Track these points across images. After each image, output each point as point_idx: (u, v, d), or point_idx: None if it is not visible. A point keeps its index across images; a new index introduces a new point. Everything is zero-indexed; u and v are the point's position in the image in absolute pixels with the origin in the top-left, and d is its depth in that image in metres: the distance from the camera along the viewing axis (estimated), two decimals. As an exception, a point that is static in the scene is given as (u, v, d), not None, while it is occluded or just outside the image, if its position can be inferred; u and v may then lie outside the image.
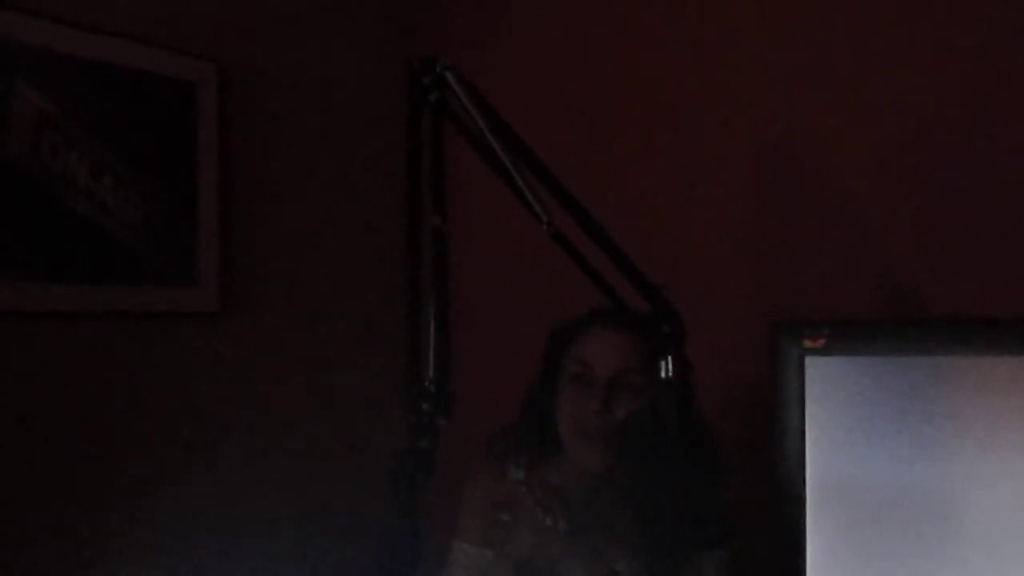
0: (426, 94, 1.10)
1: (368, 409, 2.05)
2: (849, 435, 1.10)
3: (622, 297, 1.18)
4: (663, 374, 1.15)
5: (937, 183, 1.48)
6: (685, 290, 1.19)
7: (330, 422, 2.02)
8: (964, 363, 1.06)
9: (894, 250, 1.52)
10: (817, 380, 1.12)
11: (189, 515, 1.74)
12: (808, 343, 1.10)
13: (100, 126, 1.67)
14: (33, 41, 1.58)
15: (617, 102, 1.87)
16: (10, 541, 1.52)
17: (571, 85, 1.94)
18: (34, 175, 1.58)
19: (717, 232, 1.72)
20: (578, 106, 1.92)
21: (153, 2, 1.75)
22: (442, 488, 1.09)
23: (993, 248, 1.42)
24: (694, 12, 1.77)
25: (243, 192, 1.89)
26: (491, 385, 1.40)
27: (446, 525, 1.39)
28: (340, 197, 2.08)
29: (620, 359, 1.32)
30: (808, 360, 1.11)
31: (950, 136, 1.48)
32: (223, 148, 1.84)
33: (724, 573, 1.30)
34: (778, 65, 1.65)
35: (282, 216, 1.97)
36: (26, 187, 1.57)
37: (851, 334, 1.11)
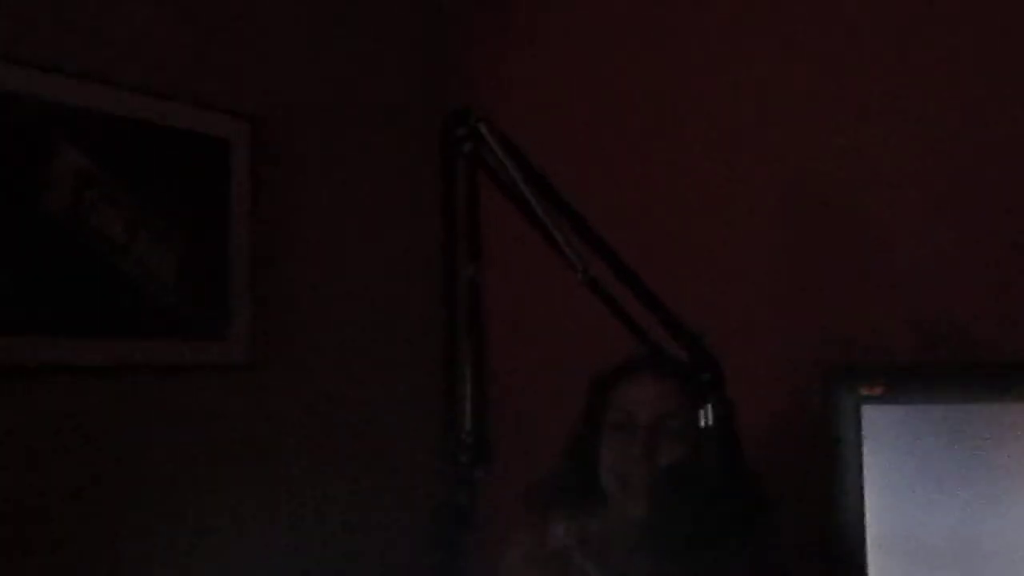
0: (460, 145, 1.11)
1: (404, 462, 2.03)
2: (908, 485, 1.08)
3: (659, 344, 1.17)
4: (703, 423, 1.13)
5: (984, 221, 1.46)
6: (724, 337, 1.18)
7: (365, 476, 2.00)
8: (1024, 408, 1.04)
9: (938, 291, 1.50)
10: (874, 428, 1.09)
11: (222, 566, 1.73)
12: (865, 391, 1.08)
13: (136, 182, 1.70)
14: (71, 100, 1.62)
15: (649, 149, 1.88)
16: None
17: (602, 133, 1.95)
18: (72, 231, 1.61)
19: (754, 277, 1.71)
20: (610, 154, 1.93)
21: (187, 60, 1.78)
22: (482, 542, 1.07)
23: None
24: (727, 57, 1.78)
25: (275, 247, 1.91)
26: (528, 435, 1.39)
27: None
28: (374, 250, 2.09)
29: (660, 405, 1.31)
30: (865, 408, 1.09)
31: (998, 173, 1.46)
32: (255, 203, 1.86)
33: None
34: (816, 102, 1.65)
35: (315, 270, 1.98)
36: (64, 243, 1.60)
37: (908, 381, 1.09)
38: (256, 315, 1.85)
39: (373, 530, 1.98)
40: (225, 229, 1.83)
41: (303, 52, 1.99)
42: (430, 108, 2.11)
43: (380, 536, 1.98)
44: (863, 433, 1.10)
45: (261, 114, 1.89)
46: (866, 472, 1.11)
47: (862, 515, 1.10)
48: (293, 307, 1.93)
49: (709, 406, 1.13)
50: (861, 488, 1.10)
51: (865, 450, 1.10)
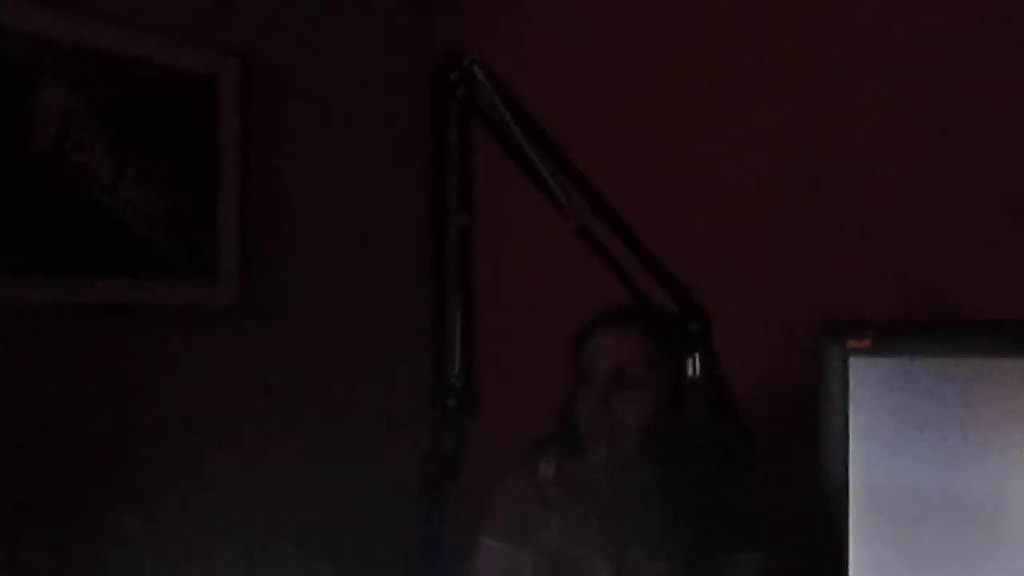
0: (453, 89, 1.09)
1: (392, 407, 2.04)
2: (893, 437, 1.09)
3: (648, 294, 1.17)
4: (690, 372, 1.14)
5: (970, 183, 1.46)
6: (713, 290, 1.18)
7: (353, 420, 2.02)
8: (1011, 365, 1.04)
9: (922, 251, 1.50)
10: (860, 382, 1.10)
11: (208, 512, 1.75)
12: (852, 344, 1.09)
13: (123, 121, 1.68)
14: (57, 35, 1.58)
15: (646, 99, 1.86)
16: (25, 536, 1.52)
17: (597, 81, 1.93)
18: (58, 170, 1.59)
19: (745, 232, 1.71)
20: (606, 102, 1.91)
21: (175, -5, 1.75)
22: (468, 487, 1.08)
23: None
24: (725, 16, 1.76)
25: (265, 187, 1.89)
26: (517, 384, 1.39)
27: (473, 524, 1.39)
28: (363, 193, 2.08)
29: (618, 356, 1.32)
30: (852, 361, 1.10)
31: (978, 135, 1.46)
32: (245, 143, 1.84)
33: (754, 575, 1.29)
34: (810, 63, 1.64)
35: (304, 212, 1.97)
36: (50, 182, 1.58)
37: (896, 335, 1.10)
38: (244, 256, 1.84)
39: (360, 474, 2.00)
40: (214, 168, 1.81)
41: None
42: (423, 50, 2.08)
43: (367, 481, 1.99)
44: (849, 386, 1.11)
45: (249, 51, 1.85)
46: (851, 425, 1.12)
47: (846, 467, 1.11)
48: (282, 249, 1.92)
49: (697, 356, 1.14)
50: (846, 441, 1.12)
51: (851, 403, 1.12)
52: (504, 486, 1.43)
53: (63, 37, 1.59)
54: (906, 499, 1.10)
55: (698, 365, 1.12)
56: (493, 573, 1.38)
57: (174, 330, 1.75)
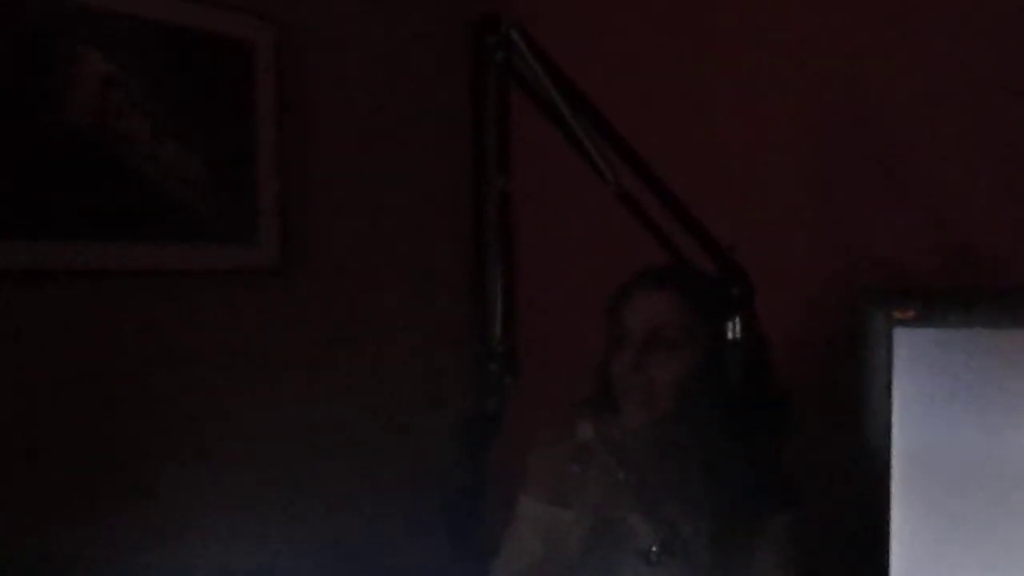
0: (491, 53, 1.09)
1: (434, 368, 2.06)
2: (937, 408, 1.08)
3: (687, 257, 1.17)
4: (730, 335, 1.14)
5: (1015, 143, 1.43)
6: (754, 256, 1.18)
7: (395, 380, 2.03)
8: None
9: (968, 214, 1.48)
10: (905, 352, 1.09)
11: (253, 473, 1.78)
12: (897, 314, 1.08)
13: (161, 86, 1.68)
14: (93, 2, 1.59)
15: (685, 62, 1.83)
16: (71, 500, 1.55)
17: (635, 45, 1.91)
18: (97, 136, 1.60)
19: (787, 197, 1.68)
20: (643, 67, 1.89)
21: (209, -39, 1.75)
22: (509, 447, 1.10)
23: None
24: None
25: (303, 151, 1.90)
26: (557, 346, 1.40)
27: (513, 484, 1.41)
28: (402, 156, 2.08)
29: (652, 317, 1.30)
30: (896, 332, 1.09)
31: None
32: (281, 107, 1.84)
33: (788, 537, 1.29)
34: (851, 22, 1.61)
35: (343, 175, 1.97)
36: (89, 148, 1.59)
37: (941, 304, 1.08)
38: (284, 220, 1.85)
39: (403, 435, 2.02)
40: (252, 133, 1.82)
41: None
42: (461, 14, 2.06)
43: (411, 441, 2.02)
44: (894, 357, 1.10)
45: (286, 16, 1.85)
46: (895, 395, 1.11)
47: (889, 437, 1.10)
48: (321, 212, 1.94)
49: (737, 319, 1.14)
50: (889, 411, 1.11)
51: (895, 373, 1.10)
52: (543, 447, 1.45)
53: (100, 3, 1.60)
54: (949, 469, 1.09)
55: (739, 328, 1.13)
56: (533, 532, 1.40)
57: (216, 293, 1.77)
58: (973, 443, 1.07)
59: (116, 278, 1.63)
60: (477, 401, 1.07)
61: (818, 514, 1.28)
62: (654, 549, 1.31)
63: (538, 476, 1.41)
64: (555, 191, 1.79)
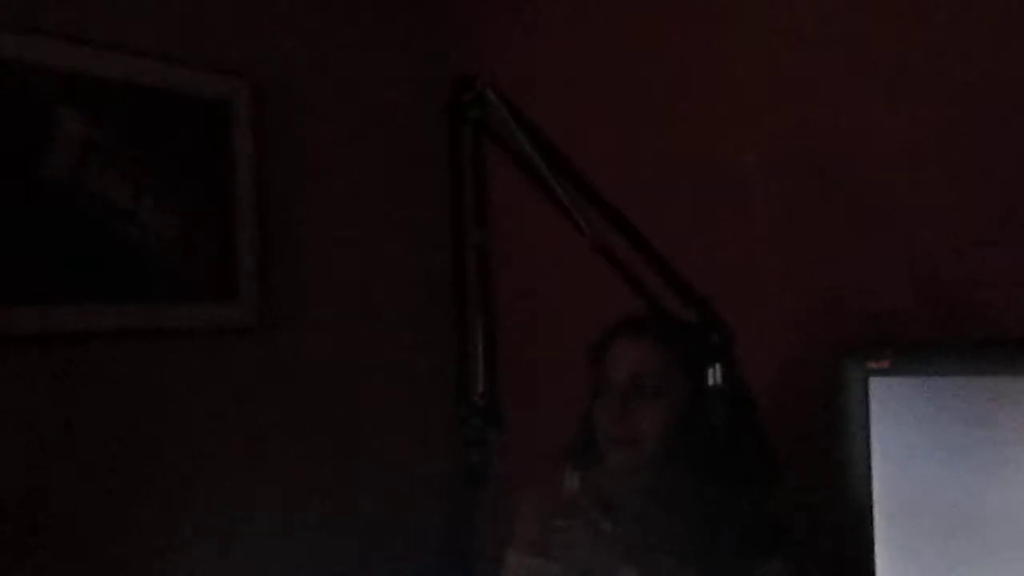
0: (467, 111, 1.11)
1: (415, 423, 2.06)
2: (915, 456, 1.10)
3: (666, 308, 1.18)
4: (711, 382, 1.15)
5: (994, 196, 1.45)
6: (731, 307, 1.19)
7: (377, 438, 2.03)
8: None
9: (944, 267, 1.50)
10: (881, 401, 1.11)
11: (230, 529, 1.76)
12: (872, 364, 1.10)
13: (139, 147, 1.70)
14: (70, 65, 1.61)
15: (657, 115, 1.85)
16: (43, 556, 1.54)
17: (609, 99, 1.93)
18: (76, 197, 1.61)
19: (762, 248, 1.70)
20: (617, 120, 1.91)
21: (185, 21, 1.77)
22: (494, 501, 1.10)
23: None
24: (738, 23, 1.76)
25: (281, 207, 1.91)
26: (540, 397, 1.40)
27: (498, 538, 1.40)
28: (381, 210, 2.09)
29: (633, 365, 1.32)
30: (872, 381, 1.11)
31: (1011, 145, 1.45)
32: (260, 165, 1.86)
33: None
34: (828, 71, 1.63)
35: (322, 230, 1.98)
36: (67, 209, 1.60)
37: (916, 354, 1.11)
38: (264, 277, 1.86)
39: (386, 491, 2.00)
40: (230, 191, 1.83)
41: (304, 14, 1.97)
42: (438, 71, 2.09)
43: (392, 496, 2.00)
44: (870, 406, 1.12)
45: (262, 76, 1.88)
46: (873, 444, 1.12)
47: (869, 486, 1.12)
48: (301, 270, 1.94)
49: (717, 366, 1.15)
50: (868, 460, 1.12)
51: (872, 422, 1.12)
52: (529, 499, 1.44)
53: (77, 66, 1.61)
54: (931, 517, 1.10)
55: (718, 375, 1.14)
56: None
57: (196, 352, 1.76)
58: (953, 493, 1.08)
59: (93, 339, 1.62)
60: (461, 455, 1.06)
61: (802, 565, 1.28)
62: (644, 602, 1.30)
63: (525, 529, 1.40)
64: (535, 243, 1.80)
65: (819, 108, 1.64)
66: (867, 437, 1.11)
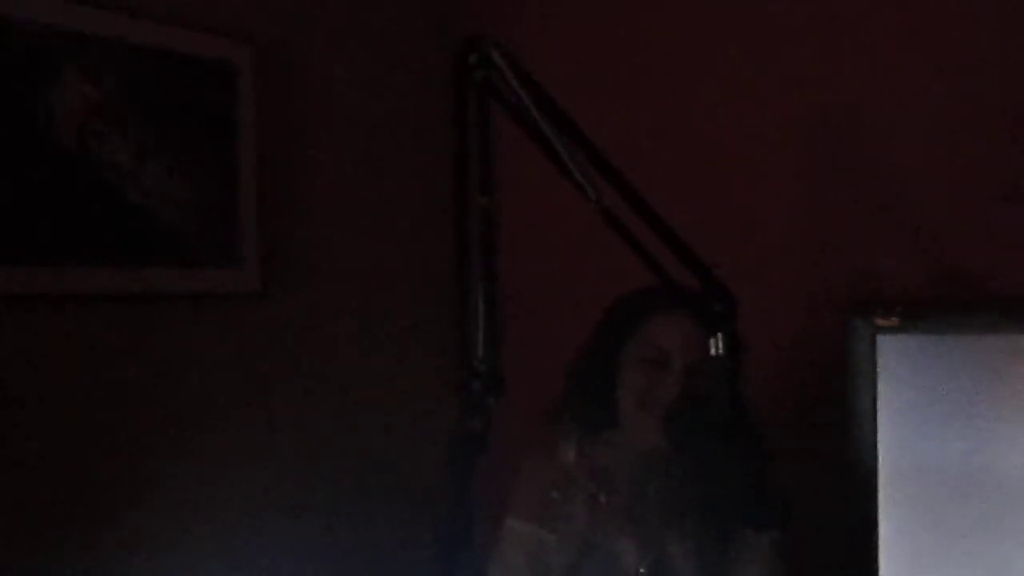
0: (472, 73, 1.09)
1: (417, 389, 2.06)
2: (921, 414, 1.09)
3: (671, 276, 1.17)
4: (713, 351, 1.14)
5: (991, 158, 1.45)
6: (740, 268, 1.18)
7: (379, 403, 2.03)
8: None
9: (947, 227, 1.50)
10: (889, 359, 1.10)
11: (235, 495, 1.77)
12: (881, 322, 1.09)
13: (144, 110, 1.69)
14: (77, 26, 1.60)
15: (665, 79, 1.85)
16: (44, 523, 1.54)
17: (618, 63, 1.92)
18: (79, 159, 1.60)
19: (768, 210, 1.70)
20: (625, 84, 1.90)
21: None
22: (494, 467, 1.09)
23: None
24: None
25: (285, 173, 1.90)
26: (541, 364, 1.40)
27: (498, 503, 1.40)
28: (385, 176, 2.09)
29: (696, 348, 1.30)
30: (880, 339, 1.10)
31: (1004, 111, 1.45)
32: (263, 129, 1.85)
33: (775, 554, 1.29)
34: (838, 38, 1.63)
35: (326, 196, 1.98)
36: (72, 172, 1.59)
37: (924, 313, 1.10)
38: (267, 243, 1.85)
39: (387, 455, 2.02)
40: (233, 156, 1.82)
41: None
42: (442, 34, 2.08)
43: (394, 461, 2.01)
44: (878, 363, 1.11)
45: (267, 38, 1.86)
46: (880, 402, 1.12)
47: (875, 443, 1.11)
48: (304, 235, 1.94)
49: (720, 336, 1.14)
50: (875, 417, 1.11)
51: (880, 380, 1.11)
52: (527, 467, 1.44)
53: (83, 28, 1.60)
54: (936, 475, 1.10)
55: (721, 345, 1.13)
56: (518, 552, 1.39)
57: (199, 316, 1.76)
58: (959, 451, 1.07)
59: (98, 302, 1.62)
60: (461, 420, 1.06)
61: (806, 527, 1.28)
62: (642, 571, 1.30)
63: (522, 498, 1.41)
64: (539, 209, 1.79)
65: (828, 80, 1.64)
66: (874, 395, 1.11)
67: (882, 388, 1.12)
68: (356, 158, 2.04)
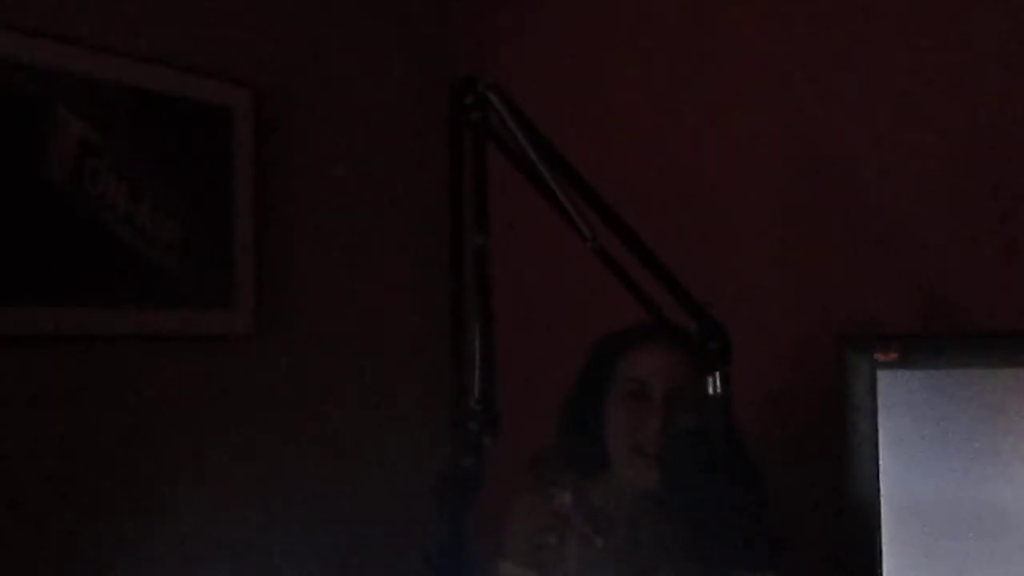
0: (468, 113, 1.10)
1: (412, 429, 2.05)
2: (922, 449, 1.09)
3: (666, 314, 1.17)
4: (710, 390, 1.14)
5: (983, 191, 1.46)
6: (735, 305, 1.18)
7: (373, 443, 2.02)
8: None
9: (938, 262, 1.51)
10: (888, 394, 1.10)
11: (228, 537, 1.74)
12: (880, 357, 1.09)
13: (139, 151, 1.70)
14: (73, 67, 1.61)
15: (659, 119, 1.87)
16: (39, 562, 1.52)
17: (611, 102, 1.95)
18: (75, 201, 1.60)
19: (761, 247, 1.71)
20: (620, 123, 1.92)
21: (189, 28, 1.77)
22: (488, 507, 1.08)
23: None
24: (740, 28, 1.77)
25: (280, 215, 1.90)
26: (536, 403, 1.39)
27: (492, 544, 1.39)
28: (380, 218, 2.09)
29: (675, 376, 1.31)
30: (880, 374, 1.10)
31: (996, 142, 1.46)
32: (259, 171, 1.86)
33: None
34: (828, 75, 1.65)
35: (320, 239, 1.98)
36: (66, 212, 1.59)
37: (923, 347, 1.10)
38: (260, 284, 1.85)
39: (381, 496, 2.00)
40: (228, 198, 1.83)
41: (306, 20, 1.98)
42: (437, 76, 2.10)
43: (387, 502, 1.99)
44: (878, 399, 1.11)
45: (264, 82, 1.88)
46: (881, 438, 1.12)
47: (877, 480, 1.11)
48: (298, 276, 1.94)
49: (717, 374, 1.14)
50: (876, 453, 1.11)
51: (880, 416, 1.11)
52: (521, 510, 1.42)
53: (78, 69, 1.61)
54: (938, 510, 1.09)
55: (718, 383, 1.13)
56: (513, 597, 1.38)
57: (191, 358, 1.75)
58: (961, 486, 1.07)
59: (90, 343, 1.61)
60: (455, 460, 1.05)
61: (808, 564, 1.26)
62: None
63: (516, 540, 1.39)
64: (533, 248, 1.80)
65: (819, 117, 1.66)
66: (875, 431, 1.10)
67: (882, 423, 1.11)
68: (351, 200, 2.04)
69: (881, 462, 1.12)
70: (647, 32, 1.91)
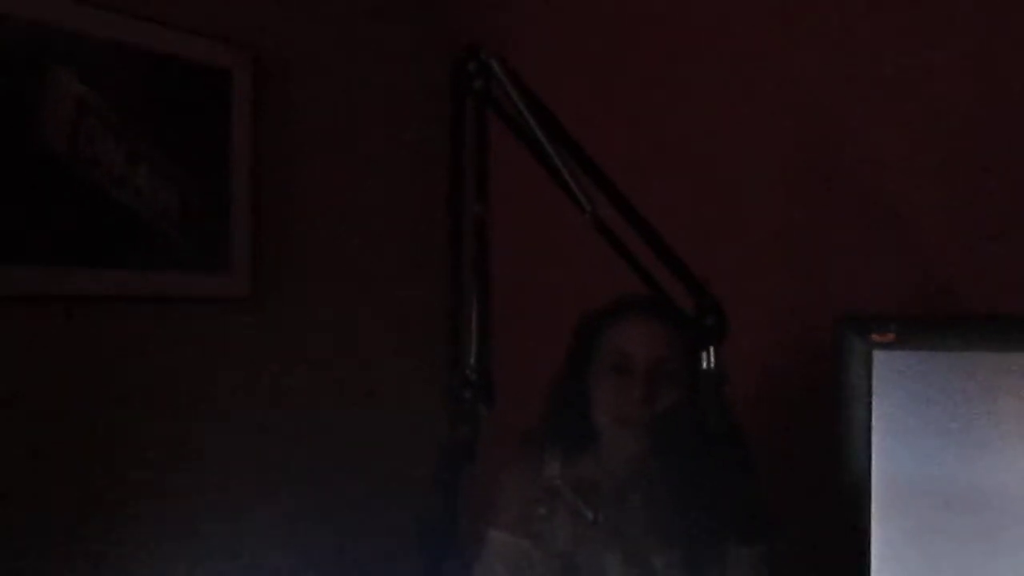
0: (470, 82, 1.10)
1: (406, 397, 2.05)
2: (916, 431, 1.09)
3: (664, 288, 1.17)
4: (705, 365, 1.14)
5: (981, 175, 1.46)
6: (734, 283, 1.18)
7: (367, 410, 2.03)
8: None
9: (936, 245, 1.51)
10: (884, 375, 1.10)
11: (222, 502, 1.75)
12: (876, 338, 1.09)
13: (136, 112, 1.68)
14: (70, 25, 1.59)
15: (661, 94, 1.86)
16: (31, 530, 1.53)
17: (615, 77, 1.94)
18: (70, 161, 1.59)
19: (760, 226, 1.72)
20: (621, 96, 1.92)
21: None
22: (482, 476, 1.09)
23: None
24: (739, 12, 1.76)
25: (277, 179, 1.89)
26: (532, 374, 1.40)
27: (485, 512, 1.40)
28: (379, 185, 2.08)
29: (659, 348, 1.32)
30: (876, 355, 1.10)
31: (995, 128, 1.46)
32: (257, 135, 1.85)
33: (761, 568, 1.29)
34: (830, 55, 1.65)
35: (318, 203, 1.97)
36: (62, 173, 1.58)
37: (920, 329, 1.10)
38: (257, 248, 1.85)
39: (375, 463, 2.01)
40: (226, 160, 1.82)
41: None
42: (439, 43, 2.08)
43: (382, 469, 2.00)
44: (873, 379, 1.11)
45: (263, 44, 1.86)
46: (875, 419, 1.12)
47: (869, 460, 1.11)
48: (295, 240, 1.93)
49: (712, 350, 1.14)
50: (869, 433, 1.12)
51: (874, 396, 1.12)
52: (511, 481, 1.43)
53: (75, 27, 1.59)
54: (931, 491, 1.10)
55: (713, 359, 1.13)
56: (501, 563, 1.39)
57: (188, 321, 1.75)
58: (954, 468, 1.07)
59: (85, 303, 1.61)
60: (450, 429, 1.06)
61: (800, 542, 1.28)
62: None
63: (507, 512, 1.40)
64: (532, 218, 1.80)
65: (819, 98, 1.65)
66: (868, 411, 1.11)
67: (876, 404, 1.12)
68: (350, 164, 2.03)
69: (874, 443, 1.12)
70: (652, 4, 1.89)
